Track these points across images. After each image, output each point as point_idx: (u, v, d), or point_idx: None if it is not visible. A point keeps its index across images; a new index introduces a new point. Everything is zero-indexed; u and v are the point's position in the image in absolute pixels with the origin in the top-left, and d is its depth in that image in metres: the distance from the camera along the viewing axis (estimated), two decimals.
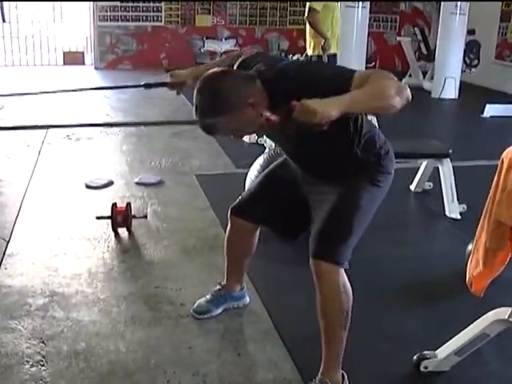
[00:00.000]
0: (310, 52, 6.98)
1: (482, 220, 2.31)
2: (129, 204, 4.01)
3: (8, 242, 3.77)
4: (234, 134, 2.34)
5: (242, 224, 2.75)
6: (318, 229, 2.35)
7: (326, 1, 6.72)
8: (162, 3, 12.36)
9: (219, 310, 2.98)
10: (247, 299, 3.08)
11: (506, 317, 2.29)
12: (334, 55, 6.91)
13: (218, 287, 3.01)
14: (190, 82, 2.80)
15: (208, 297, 3.00)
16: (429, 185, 4.96)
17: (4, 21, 12.62)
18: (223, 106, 2.12)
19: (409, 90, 2.02)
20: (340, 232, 2.33)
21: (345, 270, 2.32)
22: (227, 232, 2.86)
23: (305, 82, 2.11)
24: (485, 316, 2.42)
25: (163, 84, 2.95)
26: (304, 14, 6.93)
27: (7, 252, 3.63)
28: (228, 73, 2.25)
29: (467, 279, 2.40)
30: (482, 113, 8.57)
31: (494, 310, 2.39)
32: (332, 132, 2.00)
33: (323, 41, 6.69)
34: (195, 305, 3.00)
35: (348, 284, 2.33)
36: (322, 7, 6.65)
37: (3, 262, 3.50)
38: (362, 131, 2.34)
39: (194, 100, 2.17)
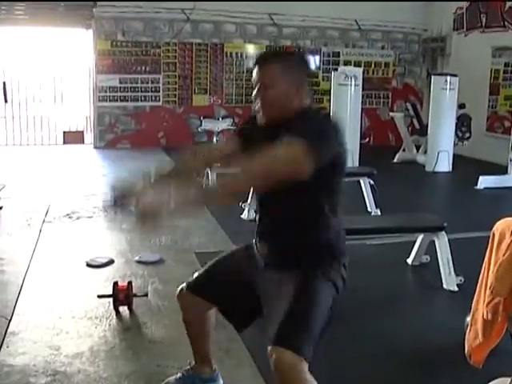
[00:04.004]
0: None
1: (477, 292, 2.37)
2: (130, 282, 4.05)
3: (10, 321, 3.79)
4: (262, 89, 2.54)
5: (195, 301, 2.68)
6: (275, 328, 2.20)
7: None
8: (160, 83, 12.65)
9: None
10: (220, 383, 2.91)
11: None
12: None
13: (188, 367, 2.91)
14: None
15: (178, 375, 2.90)
16: (426, 258, 5.01)
17: (6, 101, 12.94)
18: (288, 63, 2.45)
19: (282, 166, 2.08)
20: (299, 324, 2.20)
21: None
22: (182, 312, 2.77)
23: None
24: None
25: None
26: None
27: (9, 330, 3.65)
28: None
29: (466, 351, 2.44)
30: (476, 184, 8.69)
31: (494, 381, 2.41)
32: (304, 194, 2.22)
33: None
34: (163, 382, 2.94)
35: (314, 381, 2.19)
36: None
37: (5, 340, 3.51)
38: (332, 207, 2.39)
39: None
